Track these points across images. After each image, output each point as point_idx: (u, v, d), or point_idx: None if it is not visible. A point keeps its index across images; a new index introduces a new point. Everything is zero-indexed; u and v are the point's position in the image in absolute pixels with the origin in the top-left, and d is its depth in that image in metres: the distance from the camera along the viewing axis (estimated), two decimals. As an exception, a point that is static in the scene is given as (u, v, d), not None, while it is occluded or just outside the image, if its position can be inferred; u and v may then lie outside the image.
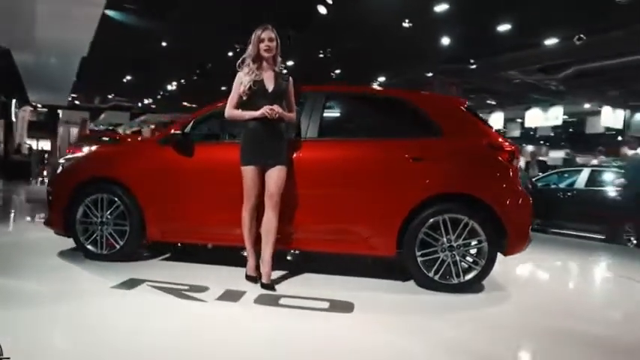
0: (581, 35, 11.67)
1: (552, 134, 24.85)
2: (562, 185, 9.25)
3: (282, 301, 3.21)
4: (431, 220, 3.60)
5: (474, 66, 15.09)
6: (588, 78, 15.98)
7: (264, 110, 3.38)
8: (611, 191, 8.16)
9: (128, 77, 21.78)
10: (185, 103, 28.98)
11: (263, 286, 3.44)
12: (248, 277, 3.63)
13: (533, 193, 5.00)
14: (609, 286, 4.92)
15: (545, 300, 3.88)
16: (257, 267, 3.60)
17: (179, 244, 4.60)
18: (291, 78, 3.62)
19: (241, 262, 3.93)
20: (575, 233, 8.38)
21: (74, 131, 26.27)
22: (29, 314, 2.76)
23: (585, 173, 8.90)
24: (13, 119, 20.63)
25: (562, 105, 19.46)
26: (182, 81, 22.10)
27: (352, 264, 4.39)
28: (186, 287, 3.38)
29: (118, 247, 3.98)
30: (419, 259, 3.61)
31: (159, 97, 26.96)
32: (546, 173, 10.22)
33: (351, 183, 3.71)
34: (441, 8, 11.02)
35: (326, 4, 11.07)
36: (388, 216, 3.64)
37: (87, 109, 28.49)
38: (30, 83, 18.06)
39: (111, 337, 2.53)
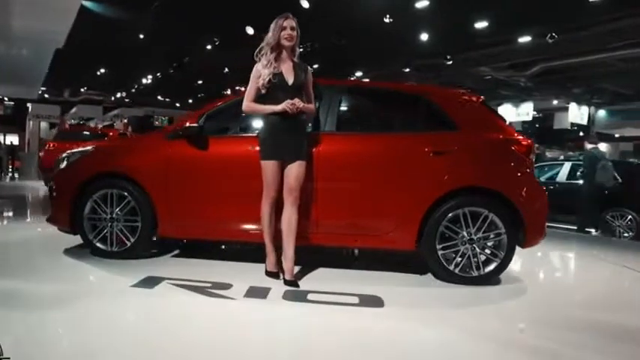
0: (554, 34, 12.01)
1: (521, 129, 25.46)
2: (542, 179, 9.46)
3: (309, 296, 3.16)
4: (451, 213, 3.61)
5: (450, 62, 15.31)
6: (554, 75, 16.49)
7: (285, 105, 3.30)
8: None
9: (102, 70, 21.22)
10: (160, 97, 28.43)
11: (286, 282, 3.37)
12: (268, 273, 3.56)
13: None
14: (617, 277, 4.80)
15: (562, 290, 3.93)
16: (277, 262, 3.55)
17: (184, 241, 4.49)
18: (309, 68, 3.56)
19: (253, 258, 3.87)
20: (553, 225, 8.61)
21: (44, 125, 25.46)
22: (58, 316, 2.65)
23: (566, 167, 9.32)
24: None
25: (532, 101, 20.03)
26: (158, 74, 21.65)
27: (360, 257, 4.39)
28: (208, 284, 3.29)
29: (128, 244, 3.86)
30: (439, 252, 3.63)
31: (133, 90, 26.36)
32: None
33: (373, 177, 3.68)
34: (421, 4, 11.25)
35: None
36: (410, 210, 3.63)
37: (57, 102, 27.62)
38: (-1, 75, 17.37)
39: (153, 337, 2.45)
